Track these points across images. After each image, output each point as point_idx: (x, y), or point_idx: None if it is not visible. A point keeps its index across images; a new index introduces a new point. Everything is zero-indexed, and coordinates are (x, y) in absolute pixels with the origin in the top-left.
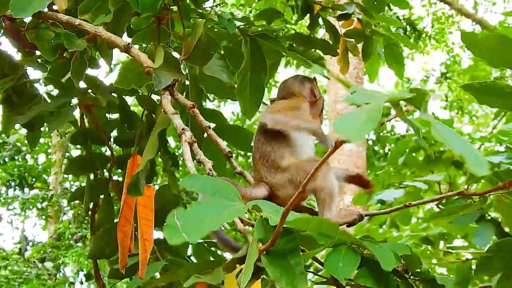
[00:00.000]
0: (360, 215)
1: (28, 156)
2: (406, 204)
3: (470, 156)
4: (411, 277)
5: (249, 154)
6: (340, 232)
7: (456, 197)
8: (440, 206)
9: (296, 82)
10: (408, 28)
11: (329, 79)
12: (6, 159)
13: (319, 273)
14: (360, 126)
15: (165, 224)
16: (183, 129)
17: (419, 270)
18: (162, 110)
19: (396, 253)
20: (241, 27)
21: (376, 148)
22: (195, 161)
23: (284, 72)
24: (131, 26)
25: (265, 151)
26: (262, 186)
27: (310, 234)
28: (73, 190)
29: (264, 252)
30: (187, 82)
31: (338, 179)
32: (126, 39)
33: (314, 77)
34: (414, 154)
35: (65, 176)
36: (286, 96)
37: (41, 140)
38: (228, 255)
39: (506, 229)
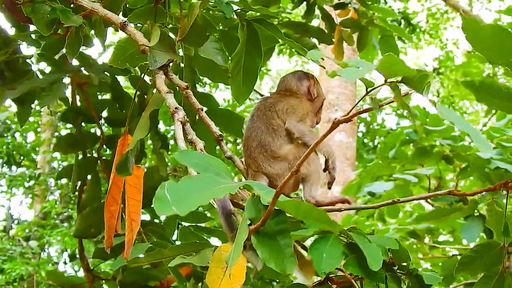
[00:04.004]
0: (343, 201)
1: (17, 134)
2: (394, 200)
3: (476, 136)
4: (398, 270)
5: (238, 140)
6: (329, 221)
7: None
8: (429, 201)
9: (294, 79)
10: (403, 22)
11: (324, 68)
12: None
13: None
14: (355, 72)
15: (155, 196)
16: (176, 108)
17: (405, 264)
18: (155, 90)
19: (383, 247)
20: (238, 11)
21: (365, 140)
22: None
23: (276, 61)
24: (127, 5)
25: (265, 141)
26: (261, 177)
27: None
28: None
29: (254, 232)
30: (181, 65)
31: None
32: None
33: (312, 75)
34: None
35: (53, 155)
36: (284, 92)
37: (31, 119)
38: (214, 240)
39: None
